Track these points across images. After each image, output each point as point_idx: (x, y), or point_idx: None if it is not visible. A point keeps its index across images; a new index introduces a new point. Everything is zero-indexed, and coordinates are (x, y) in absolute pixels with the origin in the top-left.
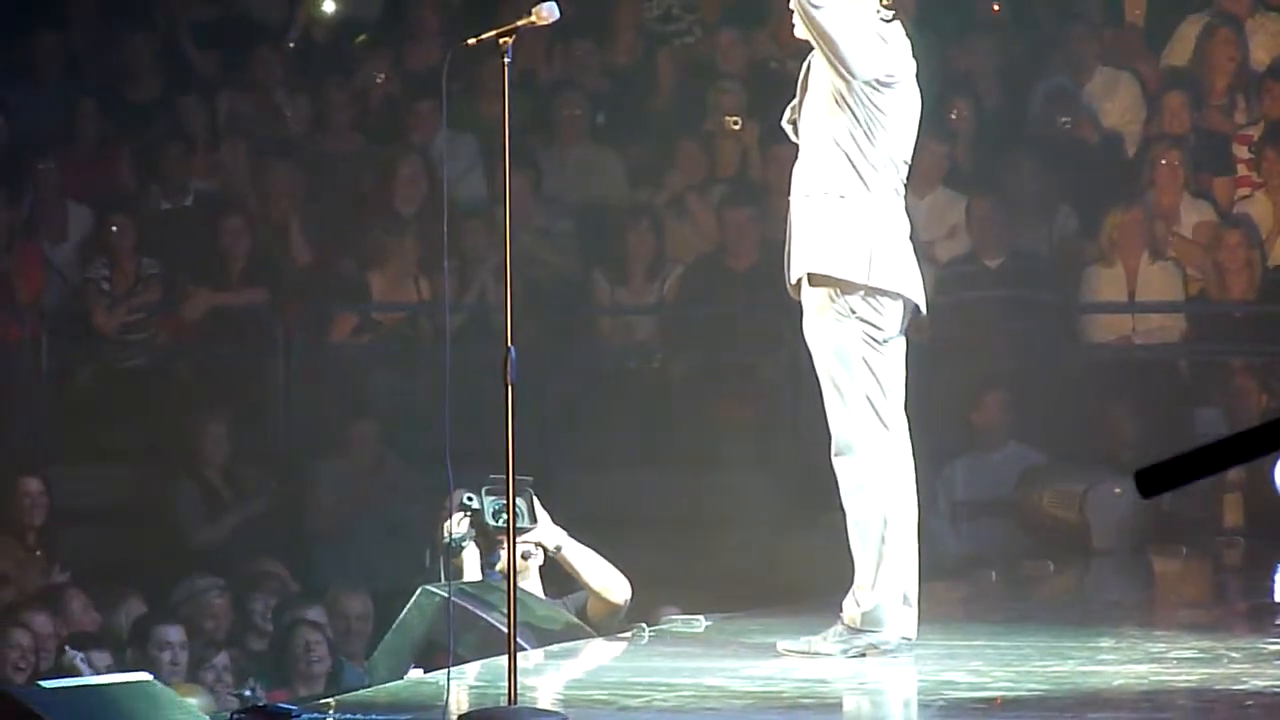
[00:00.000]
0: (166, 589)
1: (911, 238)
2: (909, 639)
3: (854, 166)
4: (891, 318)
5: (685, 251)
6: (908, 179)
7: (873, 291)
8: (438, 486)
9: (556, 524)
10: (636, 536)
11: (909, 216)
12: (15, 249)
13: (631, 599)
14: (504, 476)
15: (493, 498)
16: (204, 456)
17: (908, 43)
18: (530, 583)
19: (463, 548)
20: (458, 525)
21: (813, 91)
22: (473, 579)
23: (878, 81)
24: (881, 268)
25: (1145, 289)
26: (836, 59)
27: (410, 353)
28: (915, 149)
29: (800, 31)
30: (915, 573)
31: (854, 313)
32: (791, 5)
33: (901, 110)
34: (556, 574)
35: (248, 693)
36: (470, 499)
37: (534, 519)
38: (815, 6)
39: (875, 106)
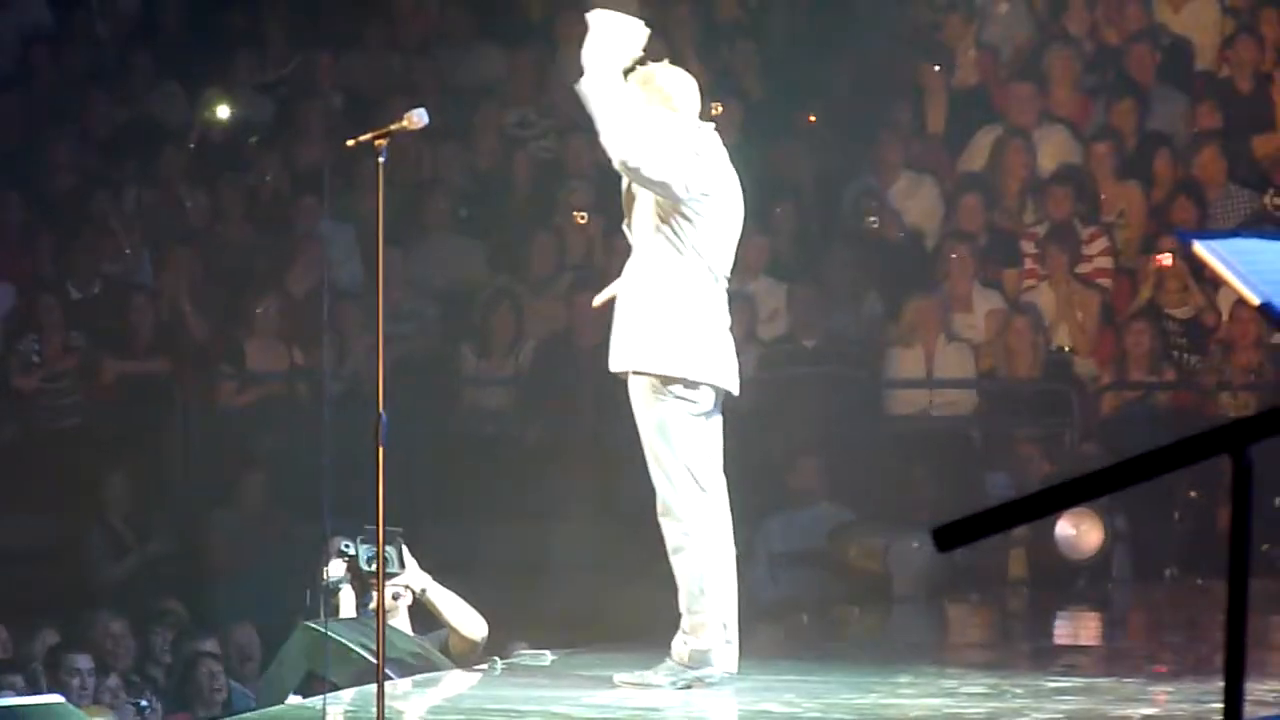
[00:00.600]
0: (77, 622)
1: (731, 327)
2: (730, 673)
3: (677, 266)
4: (706, 398)
5: (538, 330)
6: (732, 270)
7: (689, 381)
8: (317, 534)
9: (423, 569)
10: (491, 581)
11: (731, 304)
12: None
13: (487, 636)
14: (376, 527)
15: (367, 545)
16: (110, 505)
17: (723, 150)
18: (399, 621)
19: (339, 589)
20: (335, 569)
21: (639, 201)
22: (348, 617)
23: (700, 194)
24: (695, 360)
25: (941, 367)
26: (664, 195)
27: (292, 416)
28: (742, 241)
29: (625, 183)
30: (735, 614)
31: (673, 394)
32: (616, 167)
33: (721, 213)
34: (423, 613)
35: (143, 703)
36: (347, 546)
37: (403, 565)
38: (634, 168)
39: (696, 214)
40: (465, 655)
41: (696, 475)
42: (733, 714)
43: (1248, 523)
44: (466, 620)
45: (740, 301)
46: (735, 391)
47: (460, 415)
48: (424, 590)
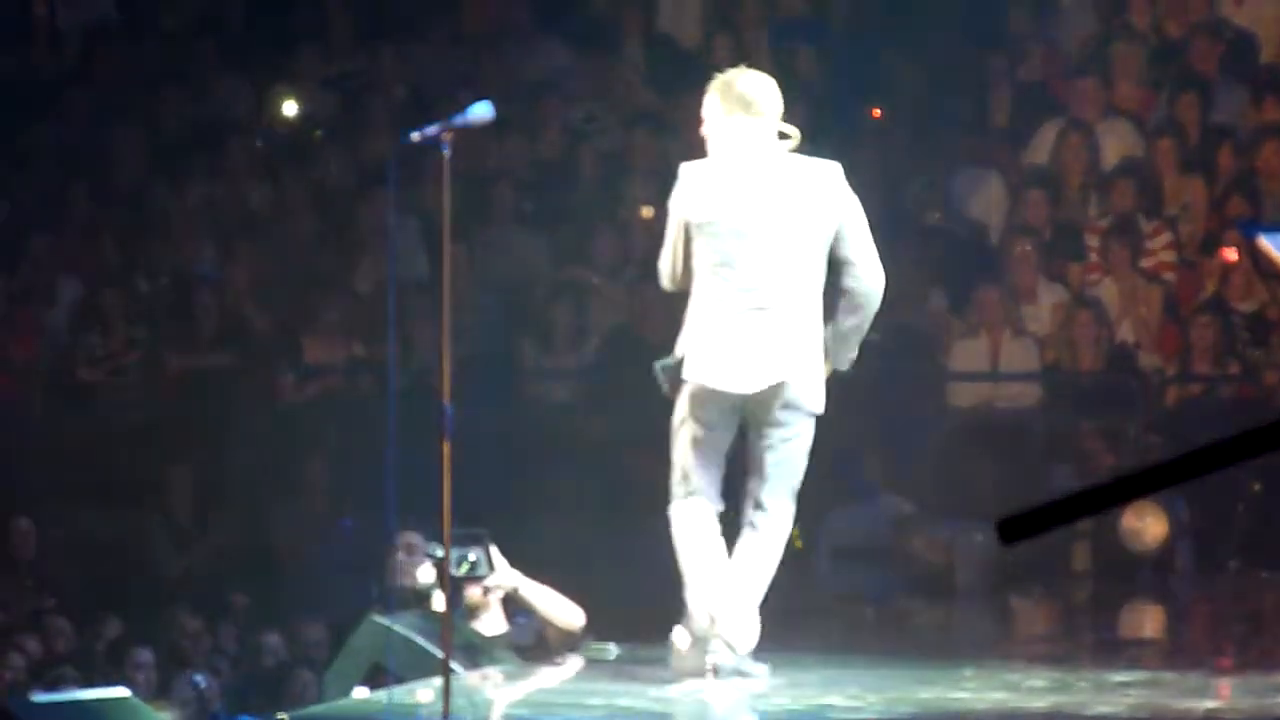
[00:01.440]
0: (141, 614)
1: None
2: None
3: (703, 285)
4: (704, 399)
5: (603, 323)
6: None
7: (697, 390)
8: (382, 528)
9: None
10: (558, 575)
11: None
12: (11, 313)
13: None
14: (466, 530)
15: (456, 549)
16: (174, 497)
17: (764, 167)
18: (493, 614)
19: (430, 594)
20: (425, 574)
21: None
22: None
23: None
24: (699, 366)
25: (1006, 360)
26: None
27: (357, 410)
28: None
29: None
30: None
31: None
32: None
33: (742, 227)
34: (517, 608)
35: (197, 678)
36: (436, 549)
37: (492, 567)
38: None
39: (710, 240)
40: (566, 645)
41: (689, 475)
42: (796, 708)
43: None
44: (563, 612)
45: None
46: (736, 390)
47: (525, 408)
48: (516, 589)
